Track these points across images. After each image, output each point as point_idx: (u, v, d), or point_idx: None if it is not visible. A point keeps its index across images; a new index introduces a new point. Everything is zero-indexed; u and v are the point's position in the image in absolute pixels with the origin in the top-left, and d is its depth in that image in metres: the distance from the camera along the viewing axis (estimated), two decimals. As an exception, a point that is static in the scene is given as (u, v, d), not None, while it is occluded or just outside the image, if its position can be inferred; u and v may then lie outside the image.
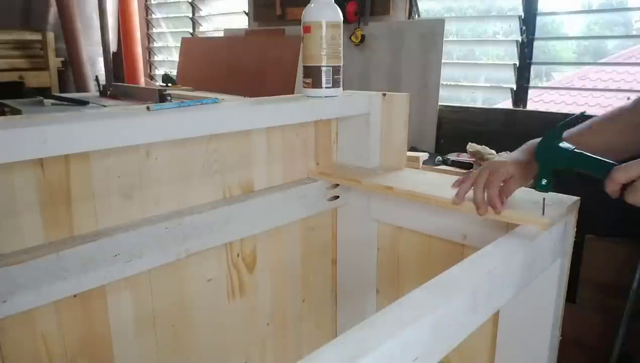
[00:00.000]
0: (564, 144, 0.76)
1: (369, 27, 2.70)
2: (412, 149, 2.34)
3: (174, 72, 3.60)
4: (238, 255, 1.07)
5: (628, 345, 1.75)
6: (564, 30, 2.46)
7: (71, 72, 3.64)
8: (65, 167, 0.79)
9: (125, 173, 0.86)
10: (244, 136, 1.03)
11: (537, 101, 2.89)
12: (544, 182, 0.78)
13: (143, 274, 0.90)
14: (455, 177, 0.94)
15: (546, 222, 0.79)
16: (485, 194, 0.83)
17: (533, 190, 0.93)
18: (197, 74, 3.32)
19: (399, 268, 1.19)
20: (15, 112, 2.33)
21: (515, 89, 2.41)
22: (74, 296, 0.81)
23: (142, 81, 4.05)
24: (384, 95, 1.14)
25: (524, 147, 0.89)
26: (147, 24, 4.40)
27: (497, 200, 0.82)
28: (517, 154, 0.88)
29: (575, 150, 0.76)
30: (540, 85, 2.47)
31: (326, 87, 1.07)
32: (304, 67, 1.08)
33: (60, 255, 0.75)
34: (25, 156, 0.67)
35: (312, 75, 1.06)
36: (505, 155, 0.87)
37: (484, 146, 2.07)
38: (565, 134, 0.81)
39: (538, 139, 0.83)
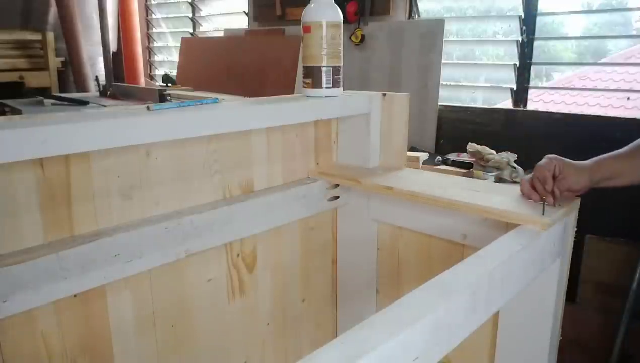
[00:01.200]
0: None
1: (369, 27, 2.70)
2: (412, 149, 2.34)
3: (174, 72, 3.60)
4: (238, 255, 1.07)
5: (628, 345, 1.75)
6: (564, 30, 2.46)
7: (71, 72, 3.64)
8: (65, 167, 0.79)
9: (125, 173, 0.86)
10: (244, 136, 1.03)
11: (537, 101, 2.89)
12: None
13: (143, 274, 0.90)
14: (455, 177, 0.94)
15: (546, 222, 0.79)
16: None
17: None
18: (197, 74, 3.32)
19: (399, 268, 1.19)
20: (15, 112, 2.33)
21: (515, 89, 2.41)
22: (74, 296, 0.81)
23: (142, 81, 4.05)
24: (384, 95, 1.14)
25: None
26: (147, 24, 4.40)
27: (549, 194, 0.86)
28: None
29: None
30: (540, 85, 2.47)
31: (326, 87, 1.07)
32: (304, 67, 1.08)
33: (60, 255, 0.75)
34: (25, 156, 0.67)
35: (312, 75, 1.06)
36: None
37: (484, 146, 2.07)
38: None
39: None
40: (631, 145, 0.94)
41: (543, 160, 0.90)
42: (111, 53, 3.86)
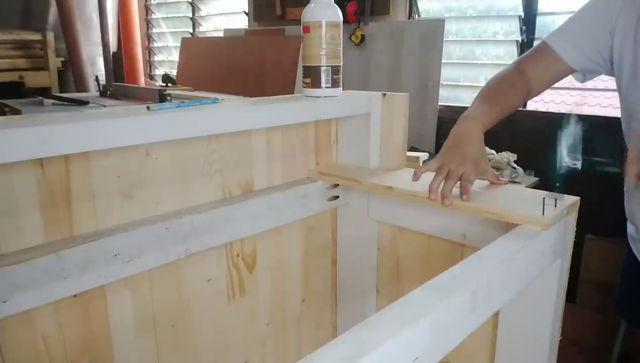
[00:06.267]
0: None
1: (369, 27, 2.71)
2: (412, 149, 2.34)
3: (174, 72, 3.60)
4: (238, 255, 1.07)
5: (628, 345, 1.75)
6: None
7: (71, 72, 3.65)
8: (65, 167, 0.79)
9: (125, 173, 0.86)
10: (244, 136, 1.03)
11: (537, 101, 2.89)
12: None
13: (143, 274, 0.90)
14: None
15: (546, 222, 0.79)
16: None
17: (533, 190, 0.94)
18: (197, 74, 3.32)
19: (399, 268, 1.19)
20: (15, 112, 2.33)
21: (515, 89, 2.41)
22: (74, 296, 0.81)
23: (142, 81, 4.05)
24: (384, 95, 1.14)
25: (460, 140, 0.97)
26: (147, 24, 4.41)
27: (449, 194, 0.88)
28: (469, 148, 0.94)
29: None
30: (540, 85, 2.47)
31: (326, 87, 1.07)
32: (304, 67, 1.08)
33: (60, 255, 0.75)
34: (25, 156, 0.67)
35: (312, 75, 1.06)
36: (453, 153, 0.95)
37: (484, 146, 2.06)
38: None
39: (468, 127, 1.01)
40: (488, 95, 1.13)
41: (456, 163, 0.91)
42: (111, 53, 3.86)
